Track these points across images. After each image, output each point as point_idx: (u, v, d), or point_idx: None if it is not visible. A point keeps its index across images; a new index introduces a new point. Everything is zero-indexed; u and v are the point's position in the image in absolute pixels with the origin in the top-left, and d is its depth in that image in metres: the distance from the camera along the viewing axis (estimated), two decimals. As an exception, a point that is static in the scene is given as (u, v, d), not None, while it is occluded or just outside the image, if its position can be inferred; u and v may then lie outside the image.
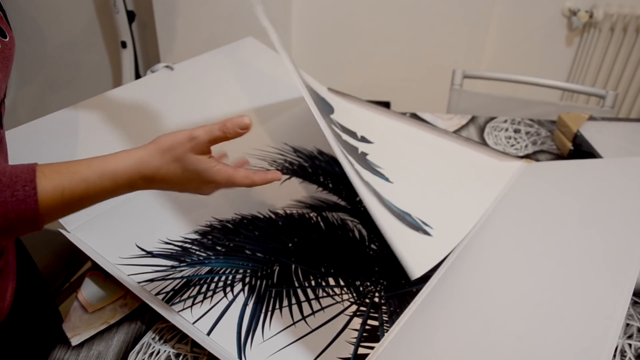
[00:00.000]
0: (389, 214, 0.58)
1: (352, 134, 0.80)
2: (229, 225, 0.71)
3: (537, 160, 0.96)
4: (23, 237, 0.69)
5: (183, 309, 0.57)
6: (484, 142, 1.02)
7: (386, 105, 2.07)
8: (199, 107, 0.87)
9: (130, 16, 1.91)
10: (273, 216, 0.73)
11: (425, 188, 0.75)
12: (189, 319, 0.56)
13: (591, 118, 1.02)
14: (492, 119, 1.12)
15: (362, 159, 0.72)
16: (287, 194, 0.78)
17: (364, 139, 0.81)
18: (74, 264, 1.16)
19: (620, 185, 0.71)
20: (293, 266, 0.65)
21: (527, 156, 0.98)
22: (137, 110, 0.81)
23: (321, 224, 0.73)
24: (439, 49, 2.00)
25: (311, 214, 0.74)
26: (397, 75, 2.08)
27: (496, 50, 2.03)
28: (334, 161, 0.87)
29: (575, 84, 1.32)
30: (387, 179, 0.70)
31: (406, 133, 0.92)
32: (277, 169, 0.74)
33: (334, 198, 0.78)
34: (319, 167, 0.85)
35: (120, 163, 0.45)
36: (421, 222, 0.65)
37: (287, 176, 0.82)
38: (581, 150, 0.94)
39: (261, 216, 0.73)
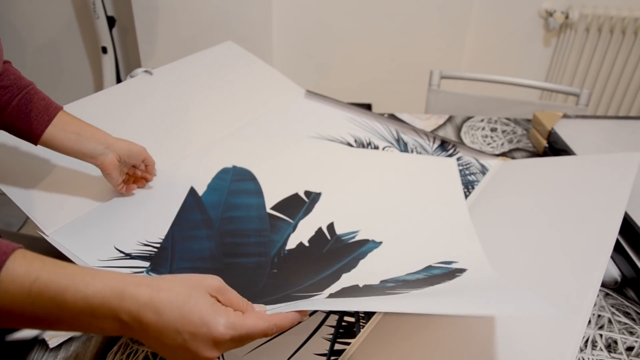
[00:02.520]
0: (425, 298, 0.52)
1: (296, 203, 0.74)
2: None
3: (513, 158, 0.98)
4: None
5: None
6: (460, 141, 1.03)
7: (368, 107, 2.09)
8: (177, 111, 0.88)
9: (111, 22, 1.91)
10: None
11: (411, 223, 0.71)
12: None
13: (565, 116, 1.04)
14: (469, 118, 1.14)
15: (343, 250, 0.65)
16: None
17: (309, 196, 0.75)
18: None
19: (592, 180, 0.73)
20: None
21: (503, 154, 1.00)
22: (115, 115, 0.81)
23: None
24: (419, 51, 2.03)
25: None
26: (377, 77, 2.10)
27: (475, 52, 2.06)
28: None
29: (552, 83, 1.35)
30: (374, 242, 0.67)
31: (346, 159, 0.87)
32: None
33: None
34: None
35: (110, 281, 0.36)
36: (445, 265, 0.60)
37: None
38: (555, 147, 0.96)
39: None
